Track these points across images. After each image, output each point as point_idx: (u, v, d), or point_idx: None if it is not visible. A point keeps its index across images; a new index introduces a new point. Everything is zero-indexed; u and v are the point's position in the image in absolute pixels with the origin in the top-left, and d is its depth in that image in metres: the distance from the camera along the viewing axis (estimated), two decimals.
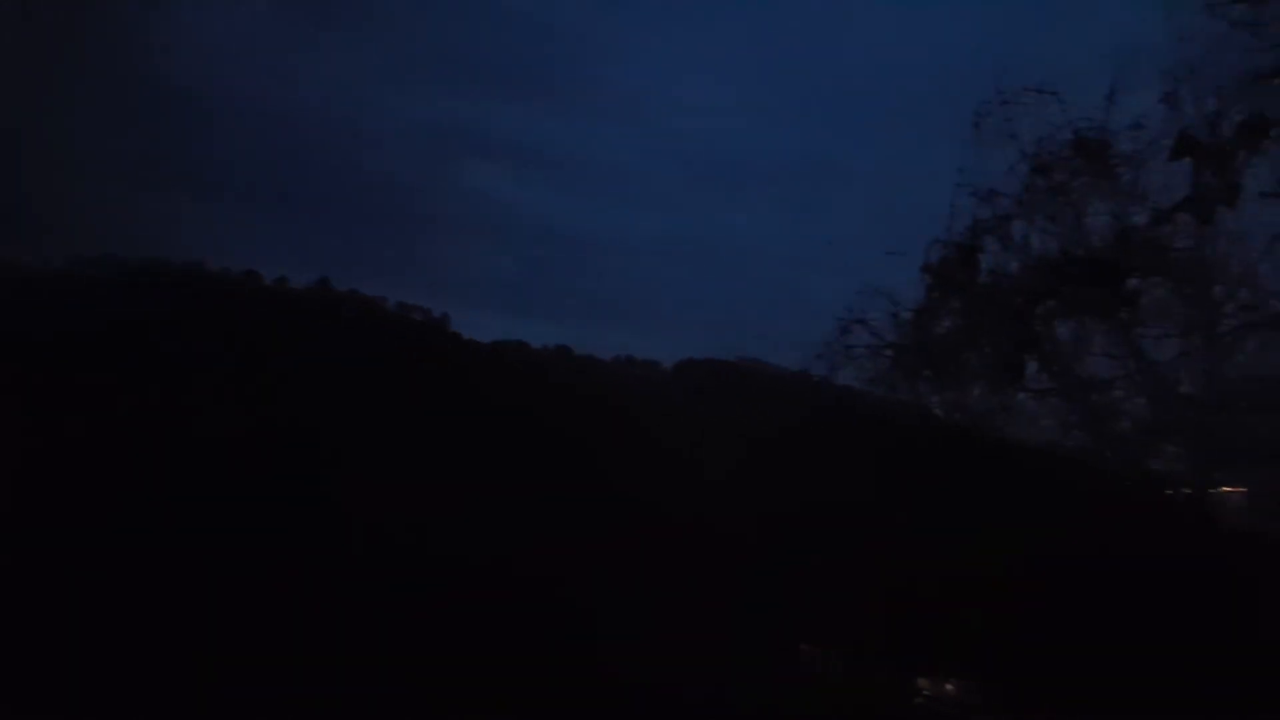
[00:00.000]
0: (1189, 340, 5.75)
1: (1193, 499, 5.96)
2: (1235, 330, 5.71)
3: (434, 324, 7.67)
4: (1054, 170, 5.64)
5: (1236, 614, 5.28)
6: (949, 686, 6.49)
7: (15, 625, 5.21)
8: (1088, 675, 5.37)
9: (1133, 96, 5.53)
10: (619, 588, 6.20)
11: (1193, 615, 5.40)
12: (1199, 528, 5.92)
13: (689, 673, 6.07)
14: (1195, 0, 5.28)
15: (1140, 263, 5.72)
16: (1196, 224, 5.67)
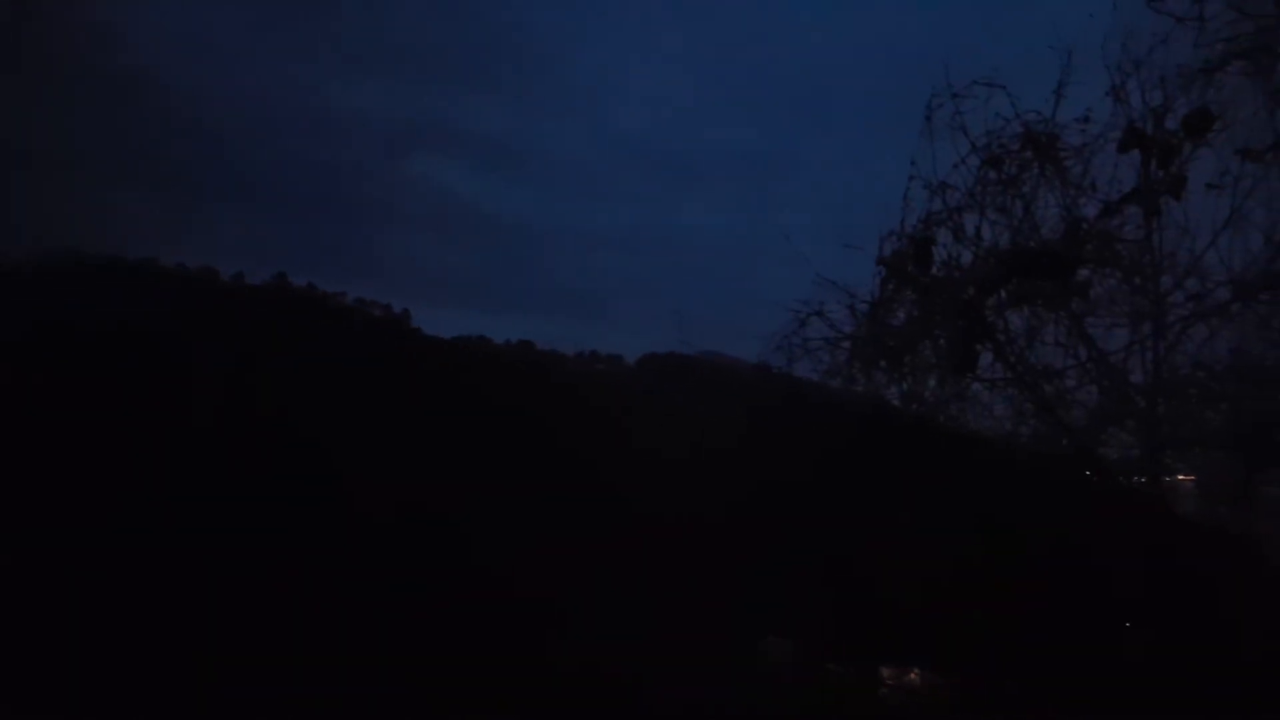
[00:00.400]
0: (1138, 330, 5.85)
1: (1146, 487, 6.06)
2: (1184, 319, 5.81)
3: (395, 320, 7.66)
4: (1004, 163, 5.72)
5: (1192, 603, 5.38)
6: (913, 675, 6.55)
7: (15, 625, 5.19)
8: (1047, 664, 5.43)
9: (1081, 90, 5.62)
10: (580, 583, 6.23)
11: (1148, 604, 5.48)
12: (1153, 515, 6.01)
13: (649, 667, 6.11)
14: None
15: (1090, 254, 5.80)
16: (1144, 216, 5.78)
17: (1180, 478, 6.37)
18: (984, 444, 6.17)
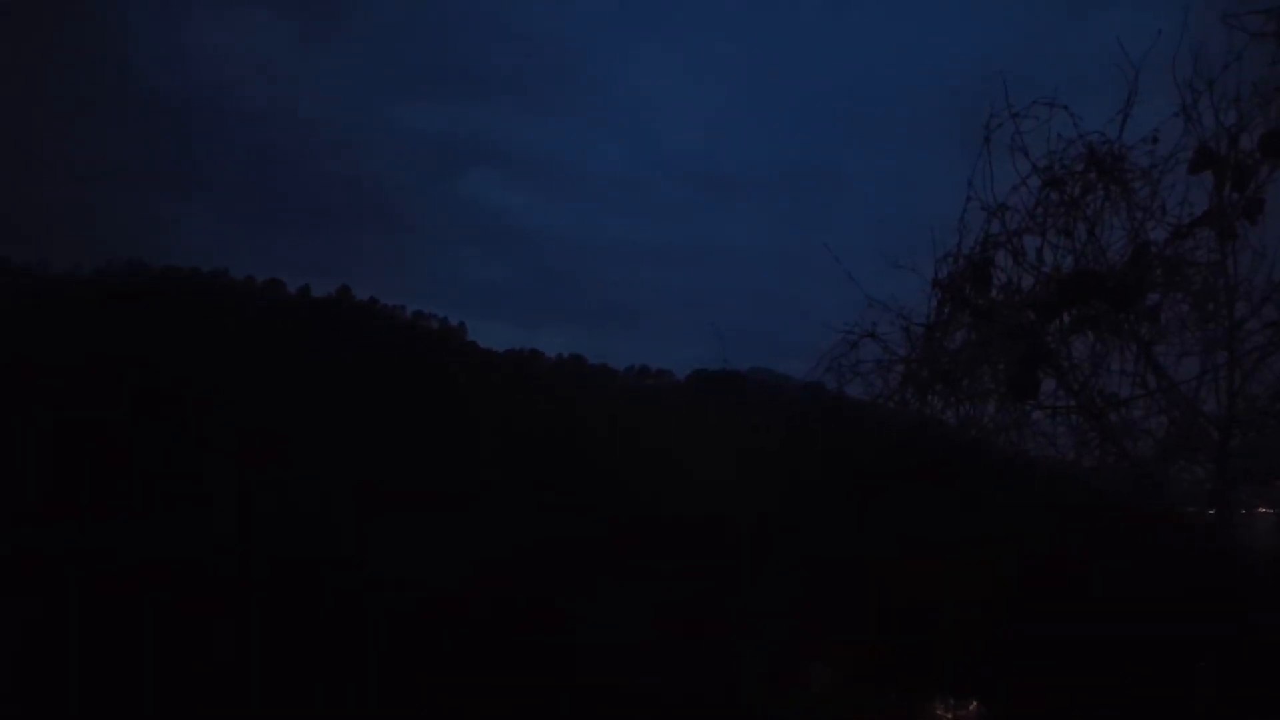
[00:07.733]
0: (1211, 358, 5.60)
1: (1214, 521, 5.79)
2: (1260, 348, 5.55)
3: (451, 331, 7.82)
4: (1067, 184, 5.56)
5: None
6: (972, 708, 6.36)
7: (14, 629, 5.36)
8: (1104, 702, 5.24)
9: (1147, 110, 5.43)
10: (617, 599, 6.27)
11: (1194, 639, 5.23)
12: (1214, 550, 5.74)
13: (692, 687, 6.09)
14: (1212, 10, 5.18)
15: (1158, 278, 5.60)
16: (1218, 239, 5.54)
17: (1260, 511, 6.08)
18: (1036, 471, 5.98)
